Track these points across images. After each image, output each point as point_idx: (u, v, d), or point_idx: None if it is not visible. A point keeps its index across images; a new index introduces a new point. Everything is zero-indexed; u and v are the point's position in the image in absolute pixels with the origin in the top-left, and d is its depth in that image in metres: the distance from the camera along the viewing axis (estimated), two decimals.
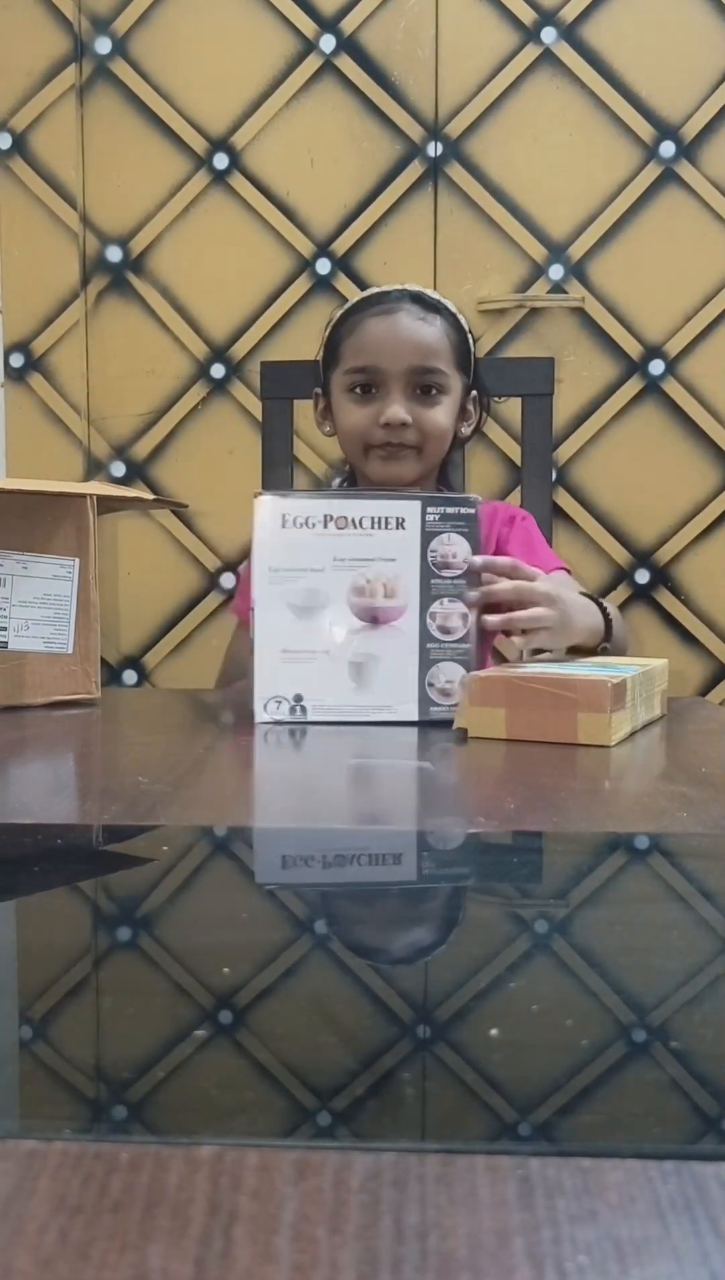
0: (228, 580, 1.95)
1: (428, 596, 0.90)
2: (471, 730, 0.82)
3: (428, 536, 0.89)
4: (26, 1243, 0.22)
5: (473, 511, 0.91)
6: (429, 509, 0.89)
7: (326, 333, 1.30)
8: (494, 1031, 0.32)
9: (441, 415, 1.24)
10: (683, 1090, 0.29)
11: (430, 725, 0.88)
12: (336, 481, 1.42)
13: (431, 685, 0.89)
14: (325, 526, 0.89)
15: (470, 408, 1.31)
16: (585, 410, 1.90)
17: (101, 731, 0.90)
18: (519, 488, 1.45)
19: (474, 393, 1.31)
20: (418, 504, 0.90)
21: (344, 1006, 0.34)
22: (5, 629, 0.97)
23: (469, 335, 1.29)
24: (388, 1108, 0.28)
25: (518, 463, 1.58)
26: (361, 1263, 0.22)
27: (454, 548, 0.90)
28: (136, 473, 1.96)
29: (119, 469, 1.96)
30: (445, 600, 0.90)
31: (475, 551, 0.92)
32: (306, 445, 1.83)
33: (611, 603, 1.15)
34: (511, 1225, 0.23)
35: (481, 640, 0.98)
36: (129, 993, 0.35)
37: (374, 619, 0.89)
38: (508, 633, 0.99)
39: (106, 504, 1.05)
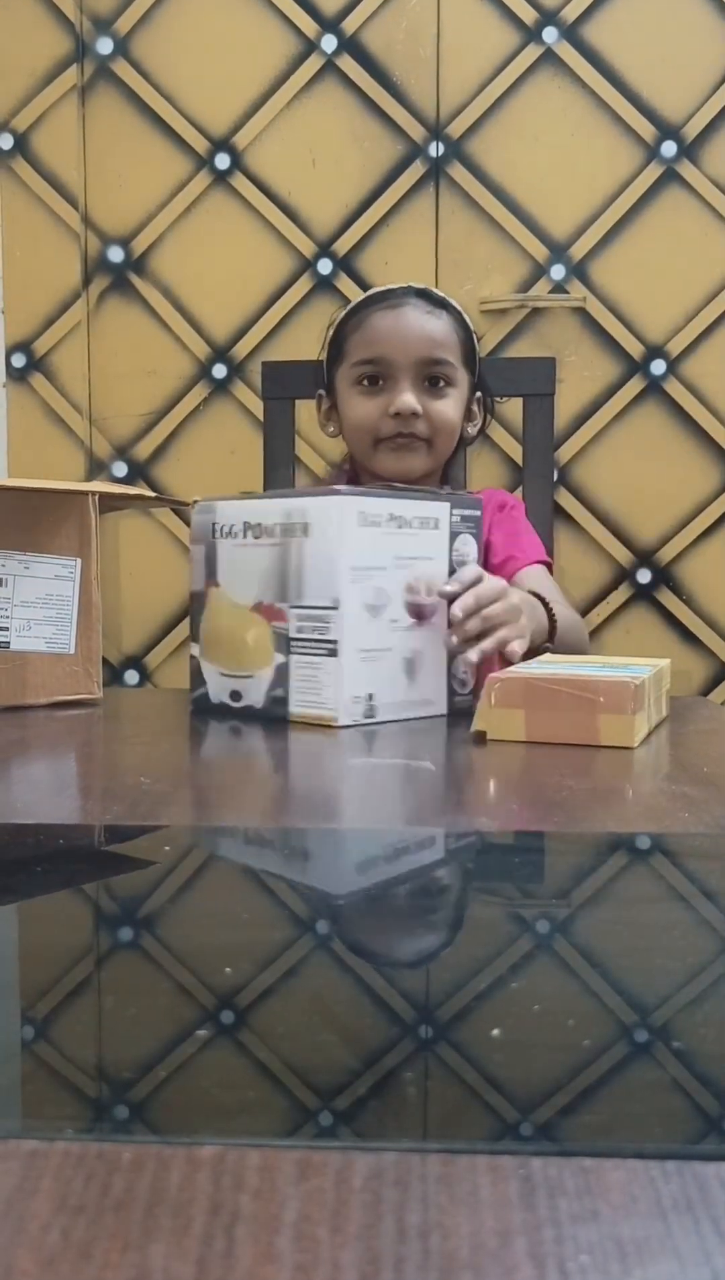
0: None
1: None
2: (490, 732, 0.80)
3: (452, 537, 0.94)
4: (29, 1242, 0.22)
5: (479, 514, 0.96)
6: (454, 510, 0.94)
7: (330, 332, 1.30)
8: (496, 1031, 0.32)
9: (450, 408, 1.23)
10: (685, 1090, 0.29)
11: (442, 725, 0.88)
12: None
13: (453, 676, 0.94)
14: (387, 525, 0.90)
15: (475, 408, 1.31)
16: (587, 410, 1.90)
17: (103, 732, 0.90)
18: (520, 488, 1.45)
19: (479, 394, 1.31)
20: (447, 505, 0.94)
21: (345, 1006, 0.34)
22: (7, 629, 0.97)
23: (474, 335, 1.29)
24: (389, 1108, 0.28)
25: (519, 463, 1.58)
26: (363, 1263, 0.22)
27: (468, 548, 0.95)
28: (138, 473, 1.96)
29: (121, 469, 1.96)
30: None
31: (480, 554, 0.97)
32: (308, 445, 1.83)
33: (566, 604, 1.19)
34: (513, 1225, 0.23)
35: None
36: (131, 993, 0.35)
37: (419, 616, 0.92)
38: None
39: (109, 503, 1.05)
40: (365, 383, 1.23)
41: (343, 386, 1.27)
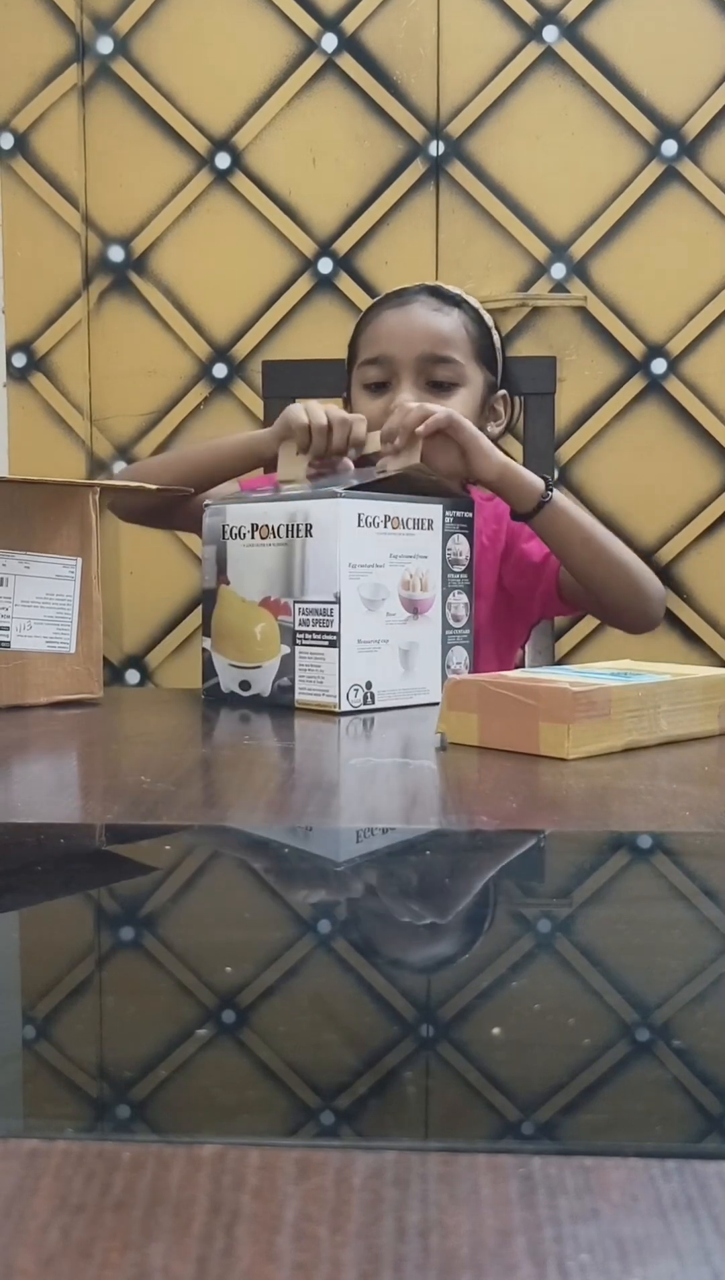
0: None
1: (445, 590, 1.02)
2: (450, 735, 0.79)
3: (445, 536, 1.02)
4: (29, 1241, 0.22)
5: (471, 515, 1.04)
6: (446, 512, 1.02)
7: (352, 336, 1.30)
8: (496, 1030, 0.32)
9: (455, 408, 1.21)
10: (685, 1089, 0.29)
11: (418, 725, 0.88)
12: None
13: (448, 667, 1.02)
14: (385, 526, 0.98)
15: (499, 407, 1.28)
16: (587, 409, 1.90)
17: (104, 731, 0.90)
18: None
19: (503, 392, 1.28)
20: (440, 508, 1.01)
21: (346, 1005, 0.34)
22: (8, 629, 0.97)
23: (494, 331, 1.27)
24: (390, 1106, 0.28)
25: (519, 462, 1.58)
26: (363, 1261, 0.22)
27: (461, 547, 1.03)
28: None
29: (121, 469, 1.96)
30: (455, 593, 1.03)
31: (472, 552, 1.05)
32: None
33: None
34: (513, 1224, 0.23)
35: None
36: (131, 992, 0.35)
37: (415, 610, 0.99)
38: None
39: (109, 499, 1.05)
40: (371, 386, 1.23)
41: (354, 389, 1.26)
